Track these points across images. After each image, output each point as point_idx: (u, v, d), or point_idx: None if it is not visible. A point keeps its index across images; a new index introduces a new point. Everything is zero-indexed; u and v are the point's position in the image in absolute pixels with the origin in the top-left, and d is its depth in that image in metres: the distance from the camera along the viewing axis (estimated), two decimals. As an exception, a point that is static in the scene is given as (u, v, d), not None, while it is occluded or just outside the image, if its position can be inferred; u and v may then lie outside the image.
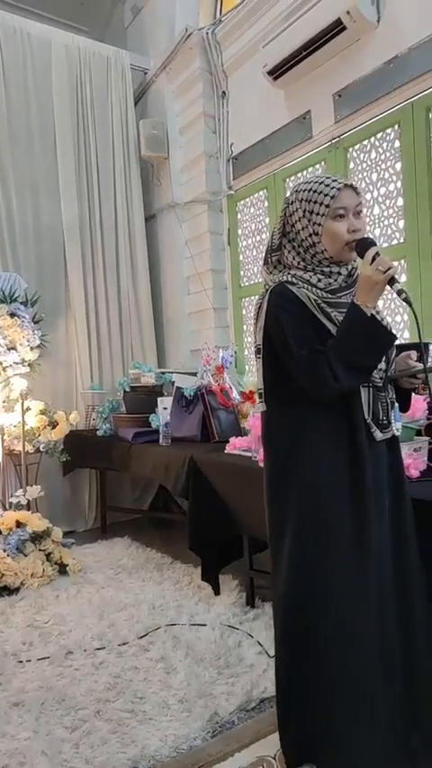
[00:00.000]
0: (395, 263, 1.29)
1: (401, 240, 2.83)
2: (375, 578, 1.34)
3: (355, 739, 1.32)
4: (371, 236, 1.37)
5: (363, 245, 1.31)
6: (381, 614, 1.34)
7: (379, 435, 1.36)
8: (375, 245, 1.31)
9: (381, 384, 1.37)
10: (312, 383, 1.31)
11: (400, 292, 1.27)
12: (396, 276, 1.28)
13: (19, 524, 3.10)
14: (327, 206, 1.32)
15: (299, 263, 1.40)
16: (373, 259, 1.26)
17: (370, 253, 1.27)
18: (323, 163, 3.24)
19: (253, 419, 2.57)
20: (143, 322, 4.44)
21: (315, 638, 1.35)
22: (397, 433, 1.46)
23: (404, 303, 1.29)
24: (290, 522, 1.38)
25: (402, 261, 2.79)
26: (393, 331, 1.33)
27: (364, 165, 3.03)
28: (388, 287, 1.28)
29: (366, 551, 1.32)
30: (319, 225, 1.33)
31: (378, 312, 1.31)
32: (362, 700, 1.31)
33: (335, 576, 1.33)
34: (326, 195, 1.32)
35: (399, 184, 2.83)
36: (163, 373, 3.85)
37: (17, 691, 1.97)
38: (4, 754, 1.62)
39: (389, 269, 1.25)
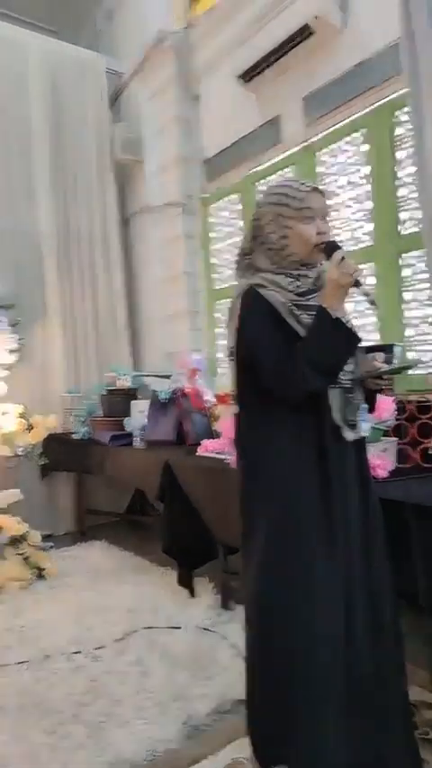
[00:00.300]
0: (360, 267, 1.32)
1: (370, 243, 2.88)
2: (344, 579, 1.36)
3: (323, 740, 1.33)
4: (336, 240, 1.41)
5: (330, 248, 1.34)
6: (348, 616, 1.36)
7: (350, 436, 1.39)
8: (341, 248, 1.34)
9: (349, 385, 1.41)
10: (281, 385, 1.34)
11: (365, 294, 1.31)
12: (361, 279, 1.31)
13: (-4, 529, 3.10)
14: (295, 209, 1.36)
15: (269, 265, 1.42)
16: (340, 262, 1.30)
17: (336, 256, 1.30)
18: (293, 166, 3.28)
19: (224, 421, 2.60)
20: (118, 325, 4.44)
21: (281, 639, 1.37)
22: (365, 434, 1.49)
23: (370, 305, 1.33)
24: (260, 523, 1.41)
25: (371, 263, 2.84)
26: (360, 333, 1.37)
27: (334, 168, 3.07)
28: (354, 289, 1.32)
29: (334, 551, 1.35)
30: (289, 228, 1.37)
31: (345, 314, 1.35)
32: (328, 700, 1.33)
33: (303, 576, 1.35)
34: (294, 198, 1.36)
35: (367, 188, 2.88)
36: (138, 376, 3.86)
37: (-5, 695, 1.98)
38: (-18, 758, 1.63)
39: (354, 272, 1.29)
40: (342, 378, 1.38)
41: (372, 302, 1.31)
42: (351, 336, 1.32)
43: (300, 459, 1.37)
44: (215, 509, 2.41)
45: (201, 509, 2.53)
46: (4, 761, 1.62)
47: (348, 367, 1.40)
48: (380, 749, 1.39)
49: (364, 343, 1.48)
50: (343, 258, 1.30)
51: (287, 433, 1.39)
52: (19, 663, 2.20)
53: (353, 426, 1.41)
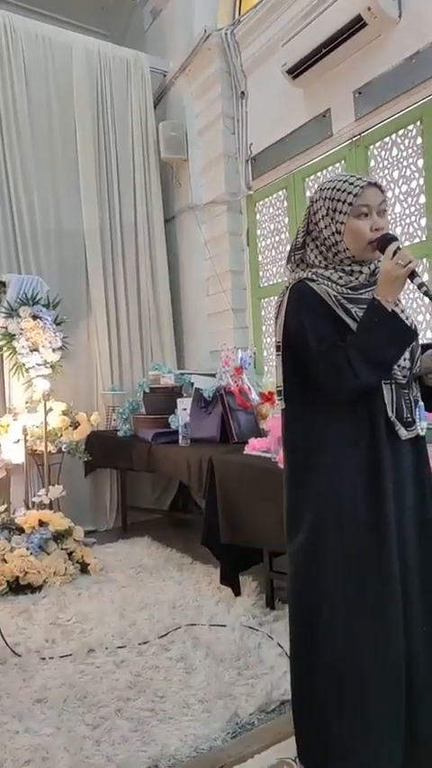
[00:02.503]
0: (416, 259, 1.27)
1: (423, 238, 2.79)
2: (398, 579, 1.31)
3: (366, 751, 1.29)
4: (392, 233, 1.36)
5: (383, 241, 1.30)
6: (406, 623, 1.31)
7: (404, 434, 1.33)
8: (396, 240, 1.30)
9: (404, 381, 1.35)
10: (331, 379, 1.30)
11: (420, 286, 1.26)
12: (417, 270, 1.26)
13: (42, 523, 3.15)
14: (350, 204, 1.31)
15: (320, 261, 1.39)
16: (394, 254, 1.25)
17: (391, 248, 1.27)
18: (343, 161, 3.22)
19: (272, 420, 2.57)
20: (162, 323, 4.46)
21: (324, 643, 1.34)
22: (422, 433, 1.41)
23: (426, 298, 1.27)
24: (306, 521, 1.37)
25: (424, 259, 2.75)
26: (417, 329, 1.32)
27: (386, 162, 3.00)
28: (409, 282, 1.27)
29: (388, 552, 1.30)
30: (342, 223, 1.33)
31: (403, 311, 1.29)
32: (376, 713, 1.29)
33: (350, 579, 1.31)
34: (349, 193, 1.32)
35: (421, 181, 2.80)
36: (182, 374, 3.86)
37: (40, 687, 2.00)
38: (28, 749, 1.64)
39: (409, 263, 1.24)
40: (397, 373, 1.33)
41: (427, 294, 1.25)
42: (406, 329, 1.27)
43: (350, 459, 1.33)
44: (258, 508, 2.37)
45: (240, 509, 2.49)
46: (50, 753, 1.62)
47: (404, 363, 1.34)
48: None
49: (421, 342, 1.43)
50: (398, 249, 1.26)
51: (337, 431, 1.35)
52: (63, 656, 2.22)
53: (409, 424, 1.35)
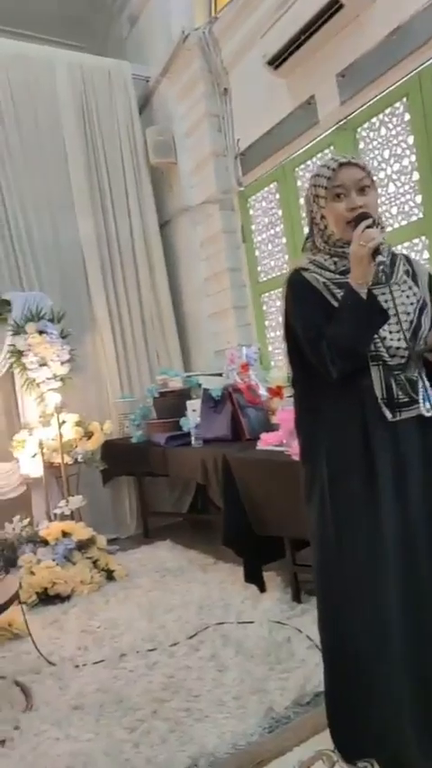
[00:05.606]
0: (379, 237, 1.24)
1: (420, 216, 2.76)
2: (402, 562, 1.30)
3: (397, 736, 1.29)
4: (368, 212, 1.31)
5: (357, 221, 1.29)
6: (417, 606, 1.30)
7: (389, 415, 1.30)
8: (368, 218, 1.28)
9: (393, 363, 1.32)
10: (318, 365, 1.32)
11: (379, 265, 1.25)
12: (381, 248, 1.24)
13: (65, 534, 3.18)
14: (325, 188, 1.34)
15: (322, 246, 1.42)
16: (361, 233, 1.25)
17: (360, 227, 1.26)
18: (332, 147, 3.20)
19: (282, 413, 2.56)
20: (166, 328, 4.48)
21: (347, 635, 1.34)
22: (427, 414, 1.34)
23: (381, 274, 1.26)
24: (315, 506, 1.39)
25: (423, 237, 2.72)
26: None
27: (375, 143, 2.97)
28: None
29: (382, 537, 1.29)
30: (323, 207, 1.36)
31: (391, 290, 1.29)
32: (398, 697, 1.29)
33: (350, 563, 1.31)
34: (324, 177, 1.34)
35: (413, 158, 2.76)
36: (189, 377, 3.87)
37: (76, 694, 2.02)
38: (69, 755, 1.66)
39: (370, 241, 1.23)
40: (384, 354, 1.31)
41: (383, 272, 1.25)
42: (375, 311, 1.26)
43: (344, 441, 1.33)
44: (276, 501, 2.36)
45: (260, 503, 2.48)
46: (90, 758, 1.64)
47: (395, 343, 1.32)
48: None
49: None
50: (366, 228, 1.25)
51: (332, 413, 1.36)
52: (96, 662, 2.24)
53: (402, 405, 1.31)
